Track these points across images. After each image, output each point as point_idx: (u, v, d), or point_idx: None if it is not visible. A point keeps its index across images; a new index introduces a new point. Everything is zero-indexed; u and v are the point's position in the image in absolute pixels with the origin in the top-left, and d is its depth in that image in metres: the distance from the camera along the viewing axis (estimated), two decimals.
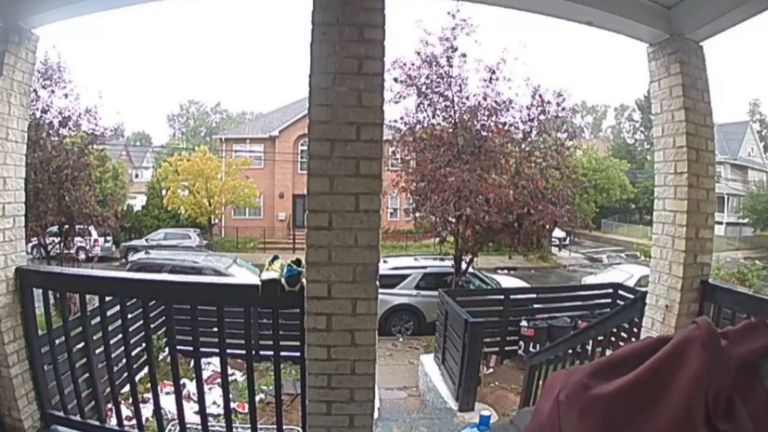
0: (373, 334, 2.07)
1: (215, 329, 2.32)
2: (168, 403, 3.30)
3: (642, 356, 0.55)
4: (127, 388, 3.10)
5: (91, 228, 10.12)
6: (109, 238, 16.47)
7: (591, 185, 22.40)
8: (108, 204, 12.25)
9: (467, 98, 9.09)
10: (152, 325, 3.81)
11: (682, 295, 2.53)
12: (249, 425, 2.48)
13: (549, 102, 9.00)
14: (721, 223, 24.78)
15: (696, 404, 0.49)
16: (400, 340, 9.28)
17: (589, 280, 14.04)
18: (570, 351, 4.26)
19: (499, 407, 5.43)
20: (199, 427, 2.50)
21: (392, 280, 9.48)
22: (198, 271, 9.83)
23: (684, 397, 0.50)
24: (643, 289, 3.22)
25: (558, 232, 16.05)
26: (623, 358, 0.57)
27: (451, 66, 8.85)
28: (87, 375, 2.69)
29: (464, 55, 8.85)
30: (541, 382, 4.48)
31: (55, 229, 9.61)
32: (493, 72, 8.91)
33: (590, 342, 4.09)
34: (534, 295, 8.83)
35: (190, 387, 4.15)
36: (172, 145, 39.21)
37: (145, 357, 3.26)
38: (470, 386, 5.24)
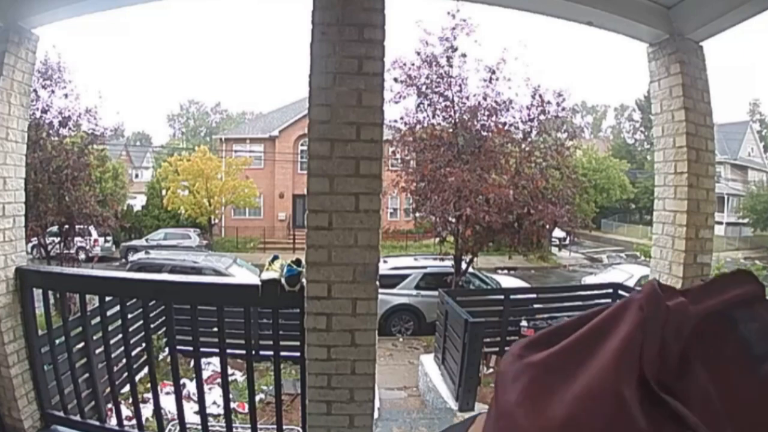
0: (373, 334, 2.07)
1: (215, 329, 2.32)
2: (168, 403, 3.30)
3: (582, 326, 0.54)
4: (127, 388, 3.11)
5: (91, 228, 10.12)
6: (109, 238, 16.47)
7: (591, 185, 22.41)
8: (108, 204, 12.24)
9: (467, 98, 9.09)
10: (152, 325, 3.81)
11: None
12: (249, 425, 2.49)
13: (549, 102, 9.00)
14: (721, 223, 24.77)
15: (624, 366, 0.48)
16: (400, 340, 9.28)
17: (589, 280, 14.03)
18: None
19: None
20: (199, 427, 2.50)
21: (392, 280, 9.47)
22: (198, 271, 9.83)
23: (610, 359, 0.48)
24: None
25: (558, 232, 16.05)
26: (562, 329, 0.56)
27: (451, 66, 8.85)
28: (87, 375, 2.69)
29: (464, 55, 8.85)
30: None
31: (55, 229, 9.61)
32: (493, 72, 8.91)
33: None
34: (534, 295, 8.81)
35: (190, 387, 4.15)
36: (172, 145, 39.20)
37: (145, 357, 3.26)
38: (470, 386, 5.23)
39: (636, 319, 0.49)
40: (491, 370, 7.12)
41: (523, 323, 7.39)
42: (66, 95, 9.52)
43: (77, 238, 9.97)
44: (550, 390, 0.49)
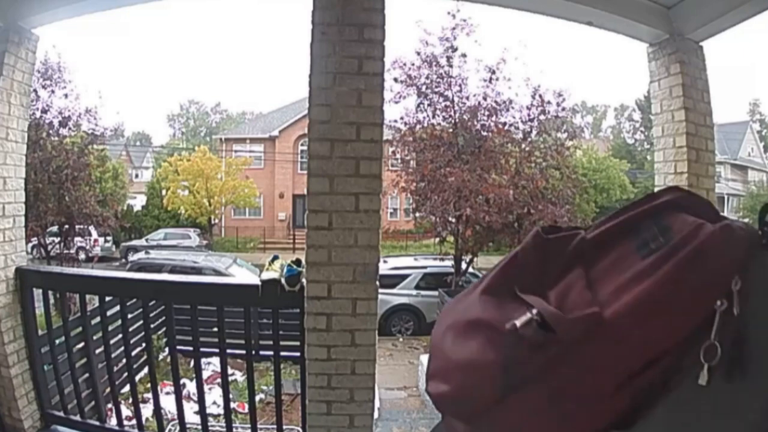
0: (373, 334, 2.07)
1: (215, 329, 2.32)
2: (168, 403, 3.30)
3: None
4: (127, 388, 3.11)
5: (91, 228, 10.11)
6: (109, 238, 16.45)
7: (591, 185, 22.39)
8: (108, 204, 12.21)
9: (467, 98, 9.09)
10: (152, 325, 3.81)
11: None
12: (249, 425, 2.49)
13: (549, 102, 9.00)
14: None
15: (491, 283, 0.60)
16: (400, 340, 9.28)
17: None
18: None
19: None
20: (199, 427, 2.50)
21: (392, 280, 9.47)
22: (198, 271, 9.82)
23: (483, 283, 0.61)
24: None
25: None
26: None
27: (451, 66, 8.85)
28: (87, 375, 2.69)
29: (464, 55, 8.86)
30: None
31: (55, 229, 9.60)
32: (493, 72, 8.91)
33: None
34: None
35: (190, 387, 4.15)
36: (172, 145, 39.15)
37: (145, 357, 3.26)
38: None
39: (512, 253, 0.61)
40: None
41: None
42: (66, 95, 9.52)
43: (77, 238, 9.95)
44: (454, 310, 0.64)
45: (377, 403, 3.93)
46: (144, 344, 2.95)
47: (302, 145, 21.96)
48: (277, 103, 32.07)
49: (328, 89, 2.00)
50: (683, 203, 0.55)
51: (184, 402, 2.73)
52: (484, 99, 8.96)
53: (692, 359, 0.49)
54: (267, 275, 2.21)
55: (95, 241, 13.52)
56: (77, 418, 2.57)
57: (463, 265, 9.42)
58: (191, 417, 2.94)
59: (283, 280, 2.14)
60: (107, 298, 2.53)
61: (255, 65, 76.64)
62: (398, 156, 9.86)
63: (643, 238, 0.53)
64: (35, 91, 8.75)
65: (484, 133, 8.93)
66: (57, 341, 2.62)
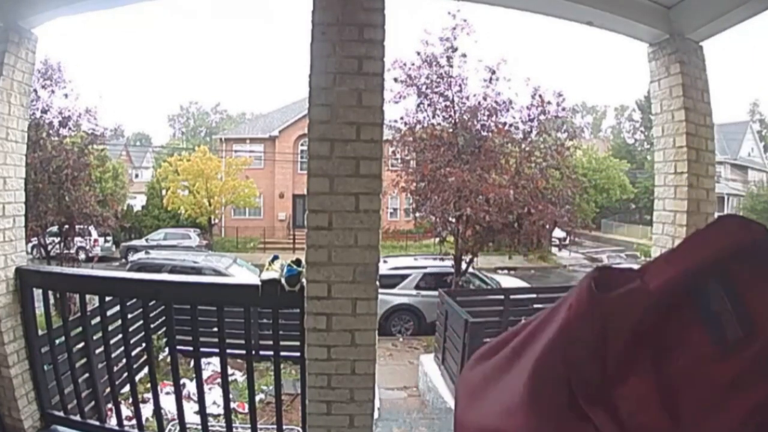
0: (373, 334, 2.07)
1: (215, 329, 2.32)
2: (168, 403, 3.30)
3: (521, 332, 0.52)
4: (127, 388, 3.10)
5: (91, 228, 10.11)
6: (109, 238, 16.46)
7: (591, 185, 22.40)
8: (108, 204, 12.20)
9: (467, 98, 9.10)
10: (152, 325, 3.81)
11: None
12: (249, 425, 2.49)
13: (549, 102, 9.00)
14: None
15: (540, 378, 0.43)
16: (400, 340, 9.28)
17: None
18: None
19: None
20: (199, 427, 2.50)
21: (392, 280, 9.47)
22: (198, 271, 9.81)
23: (527, 372, 0.44)
24: None
25: (558, 232, 16.05)
26: (508, 337, 0.53)
27: (451, 66, 8.86)
28: (87, 375, 2.69)
29: (464, 55, 8.86)
30: None
31: (55, 229, 9.60)
32: (493, 72, 8.92)
33: None
34: (534, 295, 8.82)
35: (190, 387, 4.15)
36: (172, 145, 39.11)
37: (145, 357, 3.26)
38: None
39: (562, 321, 0.44)
40: None
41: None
42: (66, 95, 9.54)
43: (77, 238, 9.96)
44: (485, 398, 0.49)
45: (377, 403, 3.93)
46: (144, 344, 2.95)
47: (302, 145, 21.96)
48: (277, 103, 32.12)
49: (328, 89, 2.00)
50: (752, 249, 0.43)
51: (184, 402, 2.73)
52: (484, 99, 8.97)
53: None
54: (267, 275, 2.21)
55: (95, 241, 13.53)
56: (77, 418, 2.57)
57: (463, 265, 9.42)
58: (191, 417, 2.94)
59: (283, 280, 2.14)
60: (107, 298, 2.53)
61: (255, 65, 76.70)
62: (398, 156, 9.86)
63: (716, 322, 0.42)
64: (35, 91, 8.75)
65: (484, 133, 8.94)
66: (57, 341, 2.62)
